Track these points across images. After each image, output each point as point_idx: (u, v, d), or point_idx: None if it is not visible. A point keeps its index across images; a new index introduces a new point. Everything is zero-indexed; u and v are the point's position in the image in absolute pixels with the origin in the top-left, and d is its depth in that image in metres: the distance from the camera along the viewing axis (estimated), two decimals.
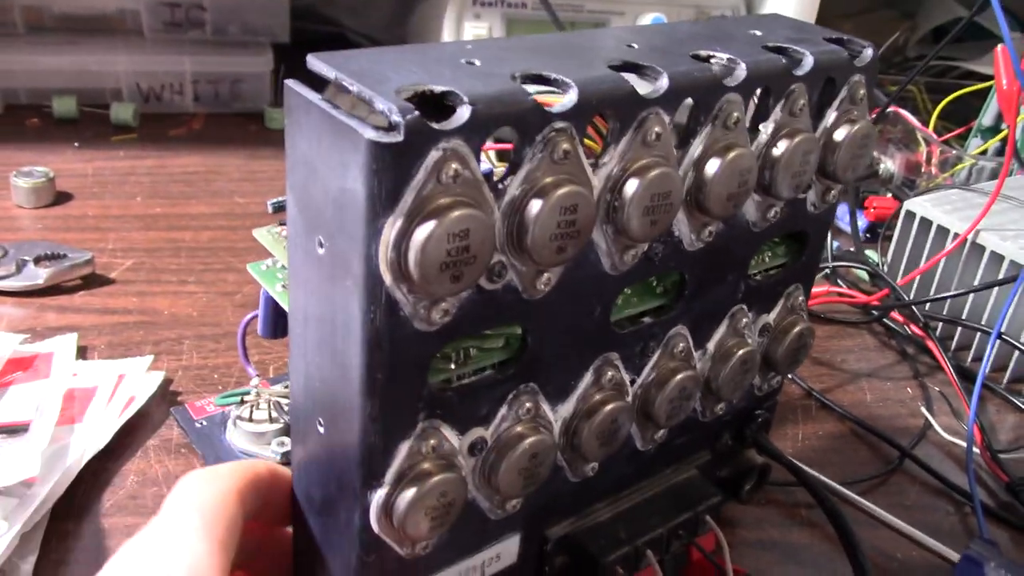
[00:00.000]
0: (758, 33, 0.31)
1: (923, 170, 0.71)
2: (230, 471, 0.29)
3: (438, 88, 0.22)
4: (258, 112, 0.80)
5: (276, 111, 0.79)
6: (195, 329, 0.52)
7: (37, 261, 0.54)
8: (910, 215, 0.60)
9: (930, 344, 0.55)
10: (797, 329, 0.36)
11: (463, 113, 0.22)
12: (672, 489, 0.36)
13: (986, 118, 0.75)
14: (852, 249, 0.66)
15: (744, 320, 0.34)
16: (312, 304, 0.25)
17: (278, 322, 0.35)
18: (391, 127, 0.21)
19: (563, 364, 0.29)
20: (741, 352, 0.34)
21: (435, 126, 0.21)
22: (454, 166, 0.22)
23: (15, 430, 0.40)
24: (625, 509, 0.35)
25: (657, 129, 0.26)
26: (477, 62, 0.24)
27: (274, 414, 0.42)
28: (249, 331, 0.45)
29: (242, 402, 0.43)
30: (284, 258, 0.33)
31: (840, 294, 0.58)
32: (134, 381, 0.46)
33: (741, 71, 0.28)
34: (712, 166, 0.28)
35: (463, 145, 0.22)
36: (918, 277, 0.58)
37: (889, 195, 0.72)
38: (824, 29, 0.33)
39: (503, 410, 0.28)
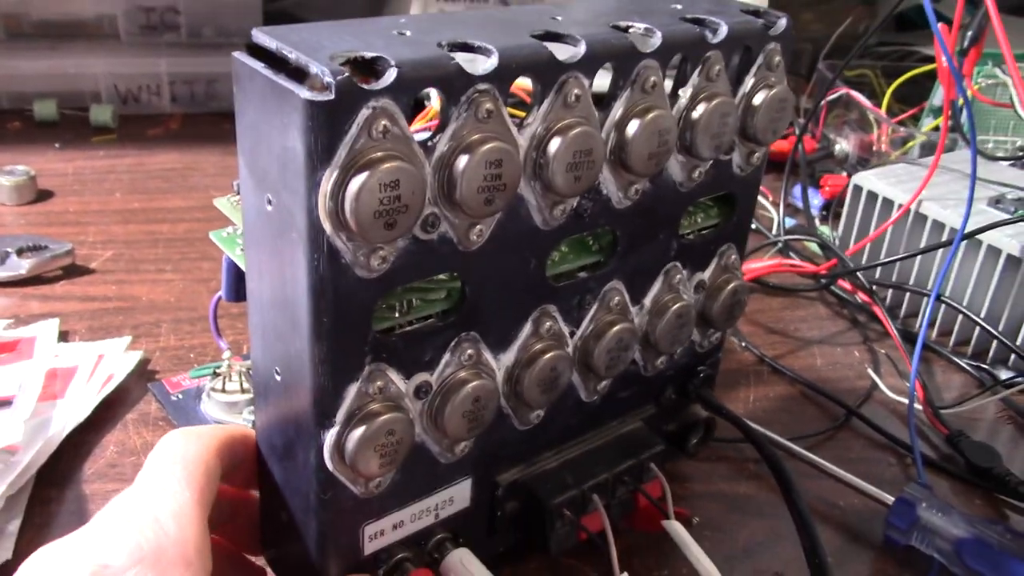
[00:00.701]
0: (678, 7, 0.34)
1: (874, 148, 0.74)
2: (209, 431, 0.31)
3: (368, 54, 0.25)
4: (233, 111, 0.82)
5: None
6: (172, 313, 0.55)
7: (19, 253, 0.56)
8: (858, 189, 0.62)
9: (876, 310, 0.57)
10: (731, 286, 0.39)
11: (390, 75, 0.24)
12: (618, 439, 0.39)
13: (936, 98, 0.78)
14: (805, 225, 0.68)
15: (678, 277, 0.37)
16: (264, 260, 0.27)
17: (239, 286, 0.37)
18: (324, 87, 0.24)
19: (502, 314, 0.31)
20: (676, 307, 0.37)
21: (364, 86, 0.24)
22: (383, 123, 0.24)
23: None
24: (572, 458, 0.37)
25: (576, 91, 0.29)
26: (408, 32, 0.27)
27: (245, 384, 0.44)
28: (221, 313, 0.48)
29: (215, 375, 0.45)
30: (234, 218, 0.36)
31: (792, 266, 0.61)
32: (113, 360, 0.48)
33: (656, 39, 0.30)
34: (632, 127, 0.31)
35: (391, 104, 0.25)
36: (867, 246, 0.61)
37: (844, 174, 0.74)
38: (742, 3, 0.35)
39: (446, 356, 0.30)
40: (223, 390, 0.44)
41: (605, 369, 0.35)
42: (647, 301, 0.36)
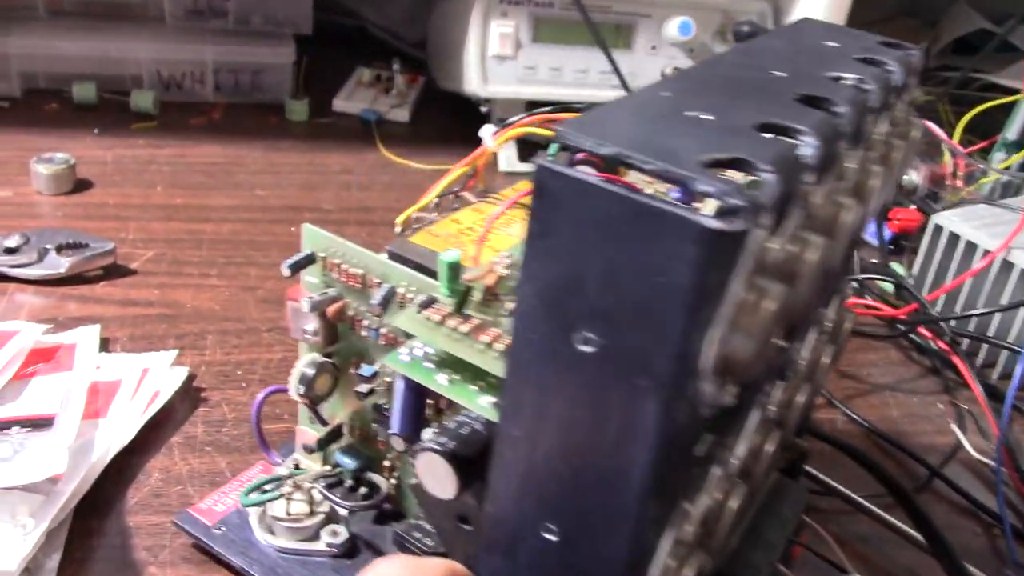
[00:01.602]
0: (834, 45, 0.30)
1: (947, 183, 0.71)
2: (434, 568, 0.27)
3: (723, 156, 0.21)
4: (278, 104, 0.79)
5: (297, 103, 0.78)
6: (218, 324, 0.52)
7: (59, 250, 0.53)
8: (938, 229, 0.59)
9: (957, 360, 0.54)
10: (847, 323, 0.36)
11: (770, 183, 0.20)
12: (770, 494, 0.36)
13: (1011, 132, 0.75)
14: (876, 261, 0.65)
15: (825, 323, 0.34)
16: (556, 405, 0.23)
17: (419, 420, 0.31)
18: (726, 211, 0.19)
19: (743, 412, 0.28)
20: (825, 354, 0.34)
21: (757, 203, 0.20)
22: (773, 244, 0.21)
23: (39, 423, 0.40)
24: (746, 527, 0.34)
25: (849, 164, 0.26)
26: (705, 116, 0.23)
27: (318, 507, 0.37)
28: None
29: (266, 491, 0.38)
30: (437, 343, 0.28)
31: (867, 306, 0.58)
32: (158, 376, 0.45)
33: (875, 90, 0.27)
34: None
35: (770, 217, 0.20)
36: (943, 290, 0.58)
37: (913, 207, 0.71)
38: (865, 33, 0.32)
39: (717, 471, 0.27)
40: (289, 515, 0.37)
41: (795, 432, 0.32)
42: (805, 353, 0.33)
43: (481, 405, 0.26)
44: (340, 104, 0.81)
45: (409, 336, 0.34)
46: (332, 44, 0.89)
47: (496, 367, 0.25)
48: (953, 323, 0.57)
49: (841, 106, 0.26)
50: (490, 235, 0.38)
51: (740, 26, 0.70)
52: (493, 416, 0.26)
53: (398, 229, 0.41)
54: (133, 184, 0.65)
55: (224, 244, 0.60)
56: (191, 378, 0.47)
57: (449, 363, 0.26)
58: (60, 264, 0.53)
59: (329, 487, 0.38)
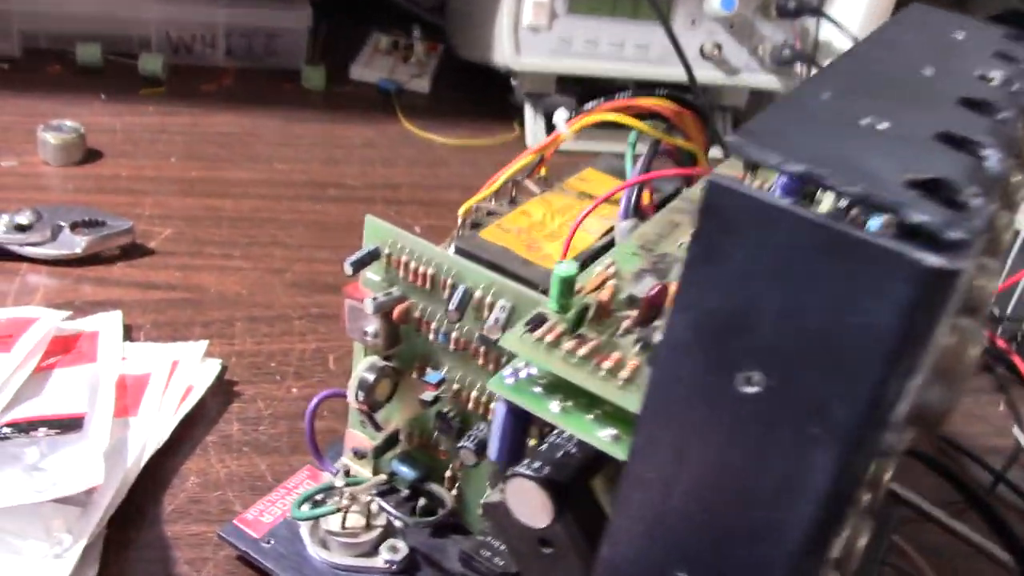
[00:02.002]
0: (961, 36, 0.28)
1: None
2: None
3: (923, 175, 0.18)
4: (294, 70, 0.75)
5: (313, 70, 0.74)
6: (245, 310, 0.49)
7: (74, 228, 0.50)
8: None
9: (1016, 359, 0.52)
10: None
11: (979, 208, 0.18)
12: None
13: None
14: None
15: None
16: (704, 448, 0.21)
17: (521, 446, 0.27)
18: (943, 245, 0.16)
19: None
20: None
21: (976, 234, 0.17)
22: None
23: (68, 424, 0.37)
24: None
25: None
26: (881, 124, 0.20)
27: (375, 520, 0.35)
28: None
29: (320, 503, 0.35)
30: (551, 368, 0.24)
31: None
32: (189, 369, 0.42)
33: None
34: None
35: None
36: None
37: None
38: (974, 20, 0.30)
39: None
40: (344, 529, 0.34)
41: None
42: None
43: (600, 438, 0.23)
44: (358, 72, 0.77)
45: (489, 346, 0.31)
46: (344, 8, 0.85)
47: (621, 397, 0.23)
48: (1010, 320, 0.55)
49: (1006, 111, 0.23)
50: (563, 231, 0.36)
51: (786, 2, 0.67)
52: (615, 451, 0.23)
53: (460, 220, 0.38)
54: (145, 155, 0.62)
55: (245, 222, 0.56)
56: (222, 370, 0.44)
57: (559, 387, 0.24)
58: (76, 243, 0.49)
59: (383, 496, 0.36)
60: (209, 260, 0.52)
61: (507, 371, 0.25)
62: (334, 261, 0.54)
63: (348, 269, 0.32)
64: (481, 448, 0.32)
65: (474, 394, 0.33)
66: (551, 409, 0.24)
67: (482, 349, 0.32)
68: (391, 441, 0.36)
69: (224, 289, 0.50)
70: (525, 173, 0.39)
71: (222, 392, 0.43)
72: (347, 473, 0.37)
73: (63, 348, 0.42)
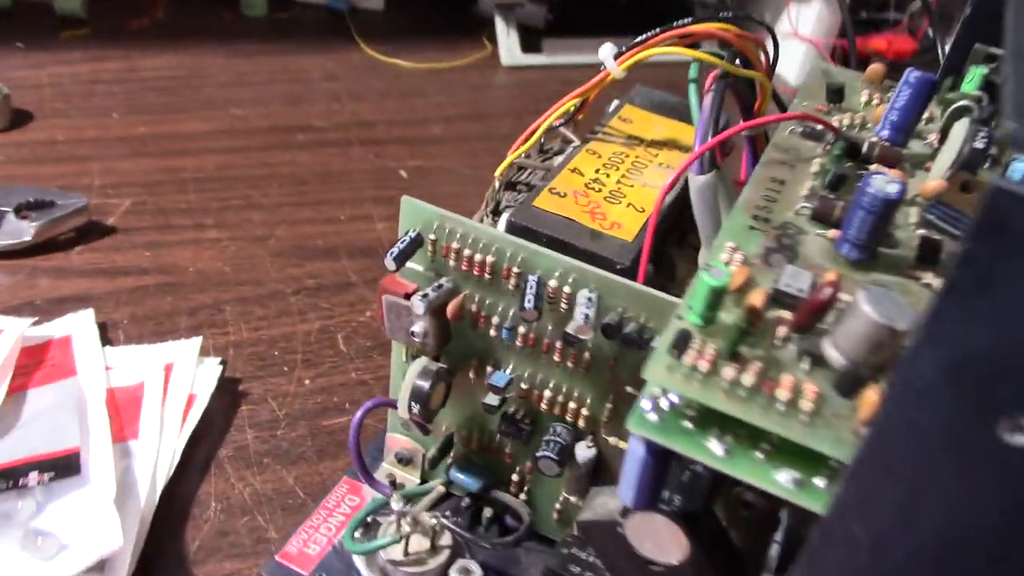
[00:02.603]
0: None
1: None
2: None
3: None
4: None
5: None
6: (233, 290, 0.43)
7: (18, 211, 0.43)
8: None
9: None
10: None
11: None
12: None
13: None
14: None
15: None
16: (943, 503, 0.17)
17: (657, 491, 0.22)
18: None
19: None
20: None
21: None
22: None
23: (63, 465, 0.31)
24: None
25: None
26: None
27: (440, 539, 0.30)
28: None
29: (370, 524, 0.31)
30: (712, 403, 0.19)
31: None
32: (187, 372, 0.37)
33: None
34: None
35: None
36: None
37: None
38: None
39: None
40: (408, 556, 0.30)
41: None
42: None
43: (782, 486, 0.19)
44: None
45: (573, 345, 0.26)
46: None
47: (811, 437, 0.18)
48: None
49: None
50: (625, 191, 0.31)
51: None
52: (803, 500, 0.19)
53: (497, 182, 0.32)
54: (82, 112, 0.54)
55: (213, 183, 0.50)
56: (223, 368, 0.38)
57: (712, 415, 0.19)
58: (24, 230, 0.43)
59: (442, 507, 0.31)
60: (180, 233, 0.46)
61: (645, 403, 0.20)
62: (319, 220, 0.48)
63: (391, 264, 0.27)
64: (564, 457, 0.28)
65: (547, 393, 0.28)
66: (712, 451, 0.19)
67: (558, 343, 0.27)
68: (446, 447, 0.31)
69: (204, 267, 0.44)
70: (565, 120, 0.33)
71: (226, 394, 0.37)
72: (393, 483, 0.32)
73: (34, 361, 0.36)
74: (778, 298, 0.21)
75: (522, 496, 0.31)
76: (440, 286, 0.28)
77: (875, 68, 0.32)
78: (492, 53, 0.67)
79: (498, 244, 0.27)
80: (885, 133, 0.27)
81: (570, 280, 0.26)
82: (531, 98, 0.62)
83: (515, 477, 0.31)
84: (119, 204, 0.47)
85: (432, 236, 0.28)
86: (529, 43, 0.66)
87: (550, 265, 0.26)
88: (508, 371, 0.28)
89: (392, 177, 0.52)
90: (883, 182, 0.22)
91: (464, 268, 0.27)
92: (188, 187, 0.49)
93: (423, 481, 0.33)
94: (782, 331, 0.20)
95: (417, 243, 0.28)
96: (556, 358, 0.27)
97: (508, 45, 0.66)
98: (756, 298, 0.20)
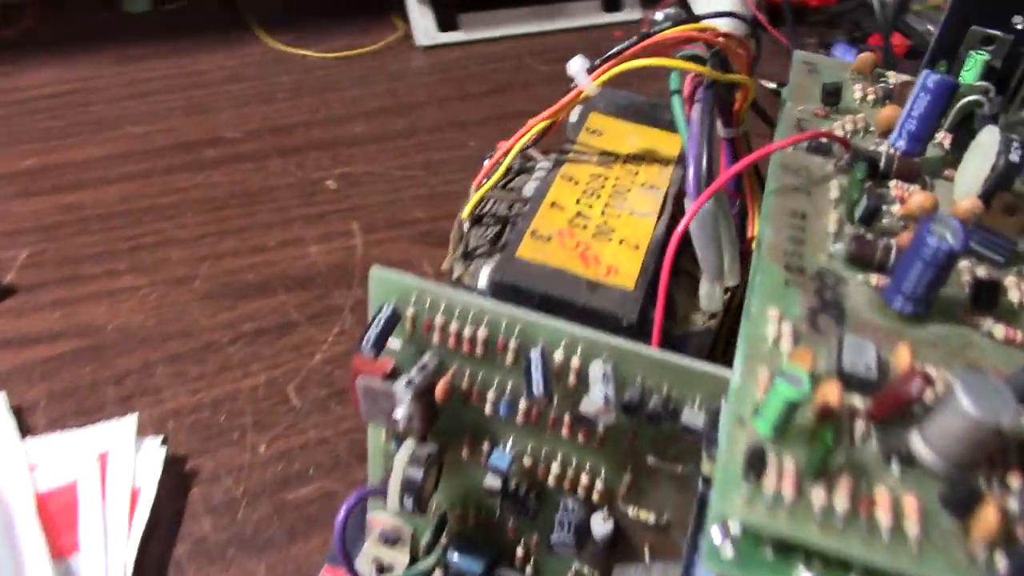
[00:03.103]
0: None
1: None
2: None
3: None
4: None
5: None
6: (161, 347, 0.38)
7: None
8: None
9: None
10: None
11: None
12: None
13: None
14: None
15: None
16: None
17: None
18: None
19: None
20: None
21: None
22: None
23: None
24: None
25: None
26: None
27: None
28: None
29: None
30: (806, 538, 0.16)
31: None
32: (125, 461, 0.32)
33: None
34: None
35: None
36: None
37: None
38: None
39: None
40: None
41: None
42: None
43: None
44: None
45: (589, 426, 0.23)
46: None
47: (924, 567, 0.16)
48: None
49: None
50: (613, 223, 0.27)
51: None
52: None
53: (466, 224, 0.29)
54: None
55: (119, 219, 0.44)
56: (165, 447, 0.34)
57: (794, 546, 0.16)
58: None
59: None
60: (91, 284, 0.41)
61: (715, 533, 0.17)
62: (246, 250, 0.43)
63: (369, 354, 0.23)
64: (581, 536, 0.25)
65: (555, 468, 0.25)
66: None
67: (566, 417, 0.24)
68: (439, 528, 0.28)
69: (124, 322, 0.39)
70: (531, 143, 0.30)
71: (173, 477, 0.33)
72: (381, 569, 0.29)
73: None
74: (842, 379, 0.18)
75: (528, 569, 0.28)
76: (424, 366, 0.24)
77: (865, 58, 0.29)
78: (406, 33, 0.62)
79: (490, 315, 0.23)
80: (902, 144, 0.25)
81: (579, 351, 0.23)
82: (454, 83, 0.58)
83: (520, 551, 0.28)
84: (14, 257, 0.41)
85: (410, 310, 0.24)
86: (445, 19, 0.62)
87: (553, 336, 0.23)
88: (508, 448, 0.25)
89: (319, 190, 0.48)
90: (944, 231, 0.19)
91: (451, 345, 0.24)
92: (92, 226, 0.44)
93: (413, 559, 0.30)
94: (860, 424, 0.17)
95: (394, 321, 0.24)
96: (565, 433, 0.24)
97: (422, 24, 0.61)
98: (830, 393, 0.17)
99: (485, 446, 0.26)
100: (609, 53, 0.27)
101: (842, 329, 0.20)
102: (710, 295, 0.27)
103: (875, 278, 0.21)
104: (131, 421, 0.34)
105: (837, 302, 0.20)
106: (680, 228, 0.24)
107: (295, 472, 0.34)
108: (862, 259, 0.21)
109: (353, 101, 0.55)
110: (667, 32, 0.27)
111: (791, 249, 0.22)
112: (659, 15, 0.68)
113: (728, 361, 0.23)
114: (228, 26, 0.61)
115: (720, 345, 0.29)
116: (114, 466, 0.32)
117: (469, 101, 0.56)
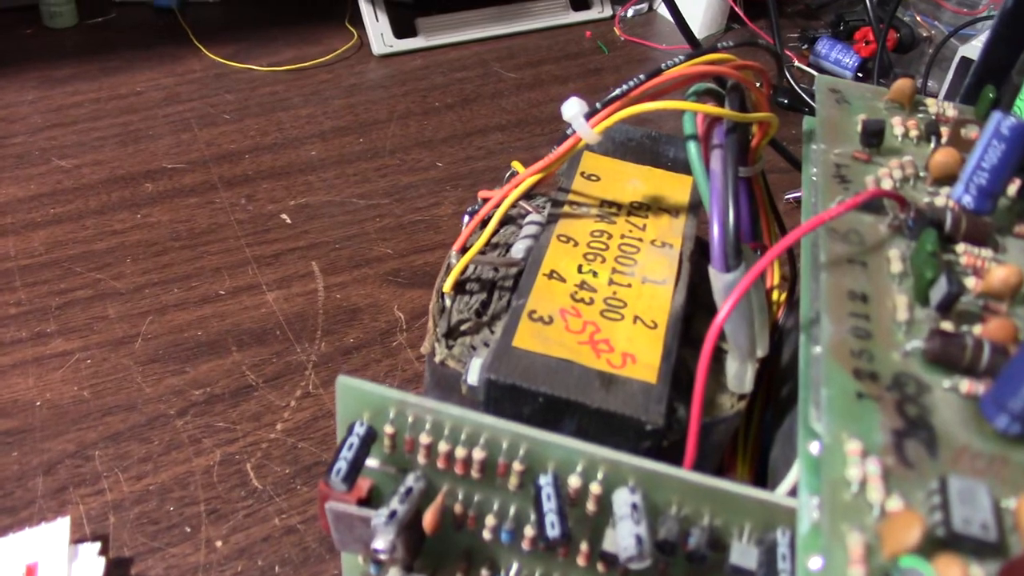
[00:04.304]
0: None
1: None
2: None
3: None
4: (27, 4, 0.55)
5: (59, 3, 0.54)
6: (98, 424, 0.33)
7: None
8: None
9: None
10: None
11: None
12: None
13: None
14: None
15: None
16: None
17: None
18: None
19: None
20: None
21: None
22: None
23: None
24: None
25: None
26: None
27: None
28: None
29: None
30: None
31: None
32: (57, 569, 0.28)
33: None
34: None
35: None
36: None
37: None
38: None
39: None
40: None
41: None
42: None
43: None
44: None
45: (616, 566, 0.19)
46: None
47: None
48: None
49: None
50: (623, 294, 0.23)
51: None
52: None
53: (448, 298, 0.24)
54: None
55: (47, 270, 0.39)
56: (103, 549, 0.29)
57: None
58: None
59: None
60: (14, 351, 0.36)
61: None
62: (193, 302, 0.39)
63: (340, 487, 0.19)
64: None
65: None
66: None
67: (582, 546, 0.20)
68: None
69: (55, 396, 0.34)
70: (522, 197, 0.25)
71: None
72: None
73: None
74: (955, 544, 0.14)
75: None
76: (409, 490, 0.20)
77: (903, 85, 0.25)
78: (360, 42, 0.57)
79: (488, 433, 0.19)
80: (969, 200, 0.21)
81: (599, 475, 0.18)
82: (417, 95, 0.53)
83: None
84: None
85: (388, 428, 0.20)
86: (401, 25, 0.57)
87: (567, 457, 0.19)
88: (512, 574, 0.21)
89: (273, 225, 0.43)
90: None
91: (441, 465, 0.20)
92: (14, 280, 0.39)
93: None
94: None
95: (369, 443, 0.19)
96: (581, 563, 0.20)
97: (378, 30, 0.56)
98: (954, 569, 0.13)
99: (484, 572, 0.21)
100: (612, 95, 0.23)
101: (937, 461, 0.16)
102: (740, 376, 0.23)
103: (965, 384, 0.17)
104: (63, 525, 0.29)
105: (924, 420, 0.16)
106: (718, 323, 0.20)
107: (258, 572, 0.29)
108: (947, 360, 0.17)
109: (306, 120, 0.50)
110: (677, 69, 0.23)
111: (857, 347, 0.18)
112: (630, 12, 0.64)
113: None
114: (164, 39, 0.55)
115: (752, 426, 0.25)
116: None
117: (433, 116, 0.51)
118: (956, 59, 0.48)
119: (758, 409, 0.27)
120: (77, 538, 0.29)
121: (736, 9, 0.62)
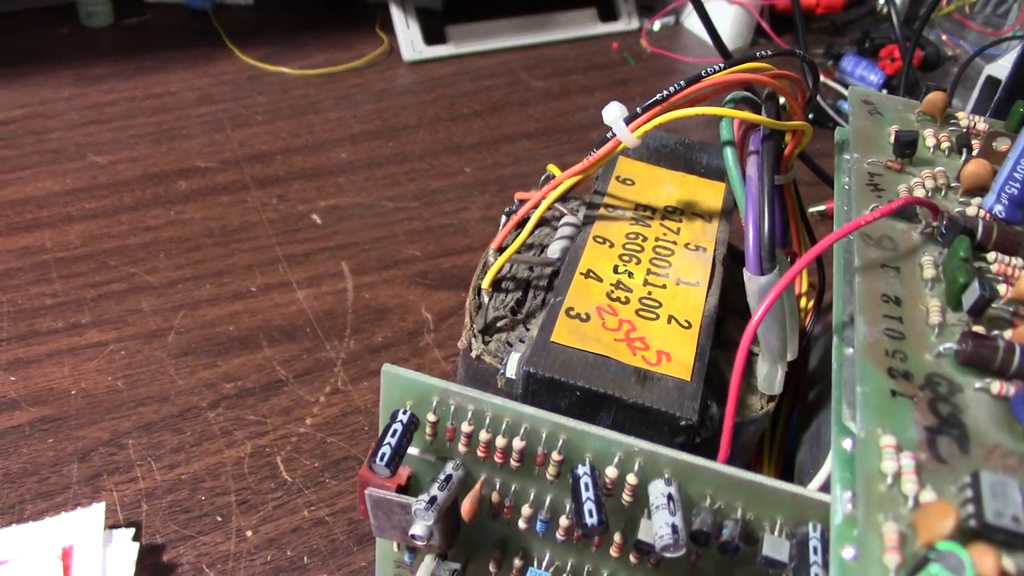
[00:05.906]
0: None
1: None
2: None
3: None
4: (65, 3, 0.56)
5: (96, 2, 0.55)
6: (132, 413, 0.34)
7: None
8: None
9: None
10: None
11: None
12: None
13: None
14: None
15: None
16: None
17: None
18: None
19: None
20: None
21: None
22: None
23: None
24: None
25: None
26: None
27: None
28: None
29: None
30: None
31: None
32: (92, 560, 0.28)
33: None
34: None
35: None
36: None
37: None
38: None
39: None
40: None
41: None
42: None
43: None
44: None
45: (652, 554, 0.20)
46: None
47: None
48: None
49: None
50: (658, 294, 0.24)
51: None
52: None
53: (486, 295, 0.25)
54: None
55: (83, 263, 0.40)
56: (137, 536, 0.30)
57: None
58: None
59: None
60: (50, 342, 0.36)
61: None
62: (225, 297, 0.39)
63: (383, 472, 0.19)
64: None
65: None
66: None
67: (616, 536, 0.20)
68: None
69: (90, 386, 0.35)
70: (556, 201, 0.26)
71: (149, 571, 0.29)
72: None
73: None
74: (987, 534, 0.15)
75: None
76: (448, 478, 0.20)
77: (935, 98, 0.26)
78: (390, 48, 0.58)
79: (528, 423, 0.19)
80: (1000, 209, 0.21)
81: (636, 466, 0.19)
82: (445, 101, 0.54)
83: None
84: None
85: (431, 416, 0.20)
86: (432, 32, 0.58)
87: (604, 448, 0.19)
88: (545, 566, 0.22)
89: (304, 225, 0.44)
90: None
91: (481, 454, 0.20)
92: (51, 273, 0.39)
93: None
94: None
95: (411, 430, 0.20)
96: (614, 553, 0.21)
97: (409, 37, 0.57)
98: (986, 566, 0.13)
99: (516, 561, 0.22)
100: (651, 100, 0.23)
101: (969, 458, 0.16)
102: (771, 378, 0.23)
103: (996, 385, 0.18)
104: (99, 510, 0.30)
105: (956, 418, 0.17)
106: (753, 325, 0.20)
107: (287, 561, 0.30)
108: (979, 362, 0.18)
109: (337, 124, 0.51)
110: (718, 76, 0.23)
111: (891, 348, 0.18)
112: (657, 25, 0.64)
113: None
114: (198, 41, 0.56)
115: (778, 429, 0.25)
116: (80, 564, 0.28)
117: (462, 122, 0.52)
118: (982, 78, 0.49)
119: (784, 413, 0.27)
120: (111, 524, 0.30)
121: (763, 24, 0.63)
